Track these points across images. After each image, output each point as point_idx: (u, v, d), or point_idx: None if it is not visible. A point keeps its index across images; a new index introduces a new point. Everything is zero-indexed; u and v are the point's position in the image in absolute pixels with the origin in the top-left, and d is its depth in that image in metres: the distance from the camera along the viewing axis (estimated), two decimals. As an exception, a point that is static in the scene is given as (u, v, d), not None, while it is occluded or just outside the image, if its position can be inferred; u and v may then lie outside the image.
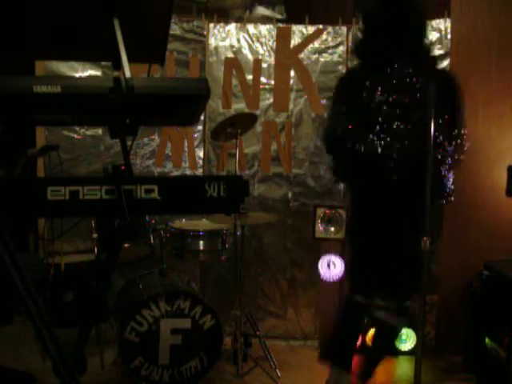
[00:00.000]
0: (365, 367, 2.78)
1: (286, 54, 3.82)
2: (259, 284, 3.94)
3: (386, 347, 3.00)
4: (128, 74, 1.40)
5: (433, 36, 3.64)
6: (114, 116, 1.40)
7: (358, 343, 2.87)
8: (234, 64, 3.82)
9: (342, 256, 3.52)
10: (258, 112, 3.78)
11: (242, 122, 3.31)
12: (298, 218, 3.88)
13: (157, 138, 3.83)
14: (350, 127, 2.47)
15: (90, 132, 3.74)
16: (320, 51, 3.82)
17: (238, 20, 3.99)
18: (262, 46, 3.83)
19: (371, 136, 2.42)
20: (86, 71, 3.68)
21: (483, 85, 3.42)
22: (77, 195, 1.41)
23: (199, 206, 1.54)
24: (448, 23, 3.62)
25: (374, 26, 2.58)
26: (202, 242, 3.37)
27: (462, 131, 2.54)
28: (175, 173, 3.83)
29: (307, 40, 3.81)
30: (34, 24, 1.58)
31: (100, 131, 3.74)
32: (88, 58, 2.60)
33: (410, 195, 2.43)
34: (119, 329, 2.97)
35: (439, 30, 3.67)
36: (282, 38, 3.81)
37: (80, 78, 3.04)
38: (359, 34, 2.71)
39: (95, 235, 3.28)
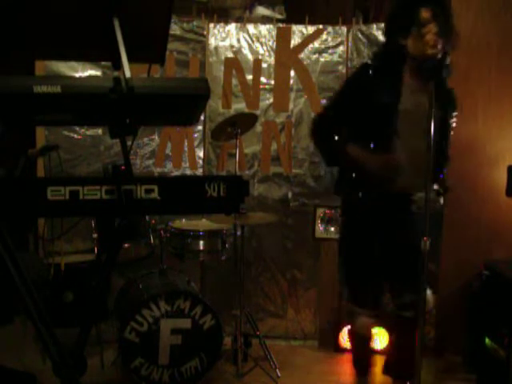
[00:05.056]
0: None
1: (286, 54, 3.81)
2: (259, 284, 3.94)
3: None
4: (128, 74, 1.40)
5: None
6: (114, 116, 1.40)
7: None
8: (234, 64, 3.82)
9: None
10: (258, 112, 3.77)
11: (242, 122, 3.31)
12: (298, 218, 3.88)
13: (157, 137, 3.83)
14: None
15: (90, 132, 3.74)
16: (320, 51, 3.82)
17: (238, 20, 3.99)
18: (261, 46, 3.83)
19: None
20: (86, 71, 3.68)
21: (483, 85, 3.42)
22: (77, 195, 1.41)
23: (199, 206, 1.54)
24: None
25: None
26: (202, 242, 3.37)
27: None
28: (175, 173, 3.82)
29: (307, 40, 3.81)
30: (34, 24, 1.58)
31: (100, 131, 3.74)
32: (88, 58, 2.59)
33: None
34: (119, 329, 2.96)
35: (439, 30, 3.67)
36: (282, 37, 3.81)
37: (80, 77, 3.04)
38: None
39: (95, 235, 3.29)
